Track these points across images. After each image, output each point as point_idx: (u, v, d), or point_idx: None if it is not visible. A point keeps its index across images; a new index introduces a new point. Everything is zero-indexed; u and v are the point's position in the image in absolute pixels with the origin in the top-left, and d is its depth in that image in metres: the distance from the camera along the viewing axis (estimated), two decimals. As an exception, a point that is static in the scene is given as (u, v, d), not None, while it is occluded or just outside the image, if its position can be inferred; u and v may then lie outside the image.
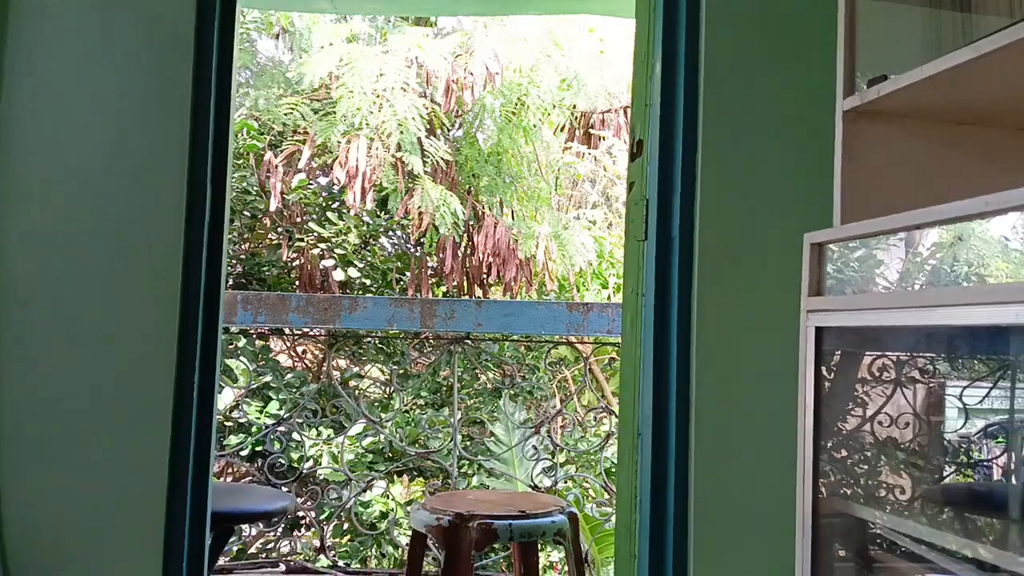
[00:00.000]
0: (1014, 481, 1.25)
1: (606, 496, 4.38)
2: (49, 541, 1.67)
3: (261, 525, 4.38)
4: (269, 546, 4.53)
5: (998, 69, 1.20)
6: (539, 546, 2.64)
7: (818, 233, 1.41)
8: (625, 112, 5.74)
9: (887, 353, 1.46)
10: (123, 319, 1.71)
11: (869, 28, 1.46)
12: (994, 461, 1.37)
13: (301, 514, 4.58)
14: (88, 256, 1.72)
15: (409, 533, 2.06)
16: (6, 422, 1.67)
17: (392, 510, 4.47)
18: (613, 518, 3.03)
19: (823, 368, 1.40)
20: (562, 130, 5.91)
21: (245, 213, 5.58)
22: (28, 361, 1.69)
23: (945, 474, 1.44)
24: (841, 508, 1.44)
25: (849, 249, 1.40)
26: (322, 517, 4.27)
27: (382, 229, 5.91)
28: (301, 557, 3.81)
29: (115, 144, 1.74)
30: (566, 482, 4.70)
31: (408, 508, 4.35)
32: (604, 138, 5.93)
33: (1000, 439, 1.33)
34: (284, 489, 3.52)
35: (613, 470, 3.86)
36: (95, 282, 1.72)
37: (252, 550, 4.43)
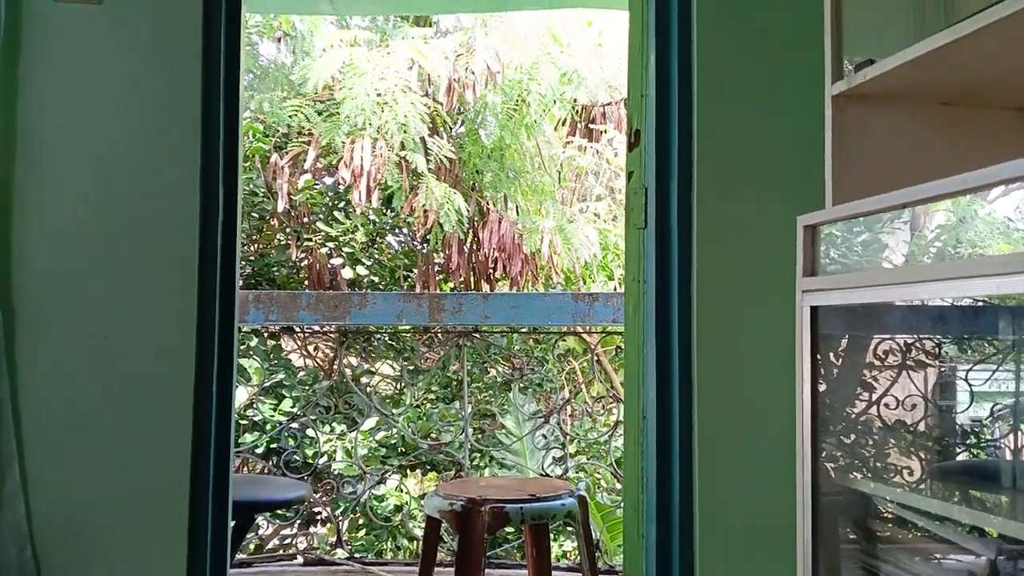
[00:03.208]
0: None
1: (616, 484, 4.43)
2: (76, 534, 1.74)
3: (278, 521, 4.45)
4: (287, 542, 4.60)
5: (978, 50, 1.24)
6: (551, 534, 2.70)
7: (810, 215, 1.45)
8: (625, 104, 5.77)
9: (872, 334, 1.50)
10: (142, 318, 1.78)
11: (858, 13, 1.49)
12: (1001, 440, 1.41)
13: (317, 509, 4.64)
14: (106, 258, 1.78)
15: (423, 525, 2.12)
16: (30, 419, 1.74)
17: (406, 503, 4.53)
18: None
19: (824, 350, 1.44)
20: (564, 124, 5.94)
21: (253, 215, 5.64)
22: (50, 360, 1.76)
23: (945, 451, 1.49)
24: (843, 483, 1.49)
25: (853, 234, 1.43)
26: (338, 512, 4.33)
27: (388, 227, 5.97)
28: (318, 551, 3.87)
29: (130, 149, 1.80)
30: (577, 472, 4.75)
31: (422, 500, 4.41)
32: (605, 131, 5.97)
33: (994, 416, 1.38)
34: (300, 484, 3.58)
35: (623, 459, 3.91)
36: (113, 283, 1.78)
37: (270, 546, 4.50)
